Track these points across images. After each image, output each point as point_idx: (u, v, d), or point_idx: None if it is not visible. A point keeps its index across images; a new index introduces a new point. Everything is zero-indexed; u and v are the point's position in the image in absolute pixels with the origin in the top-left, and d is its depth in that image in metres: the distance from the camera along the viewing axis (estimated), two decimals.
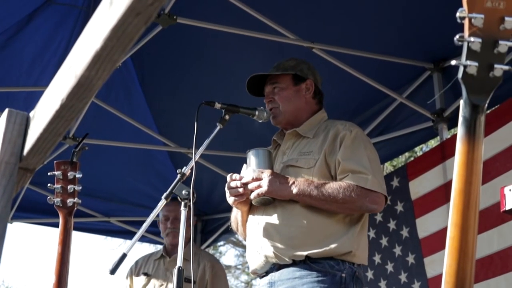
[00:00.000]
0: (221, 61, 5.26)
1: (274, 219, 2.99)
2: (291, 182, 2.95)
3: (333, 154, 3.01)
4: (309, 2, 4.65)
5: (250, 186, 2.99)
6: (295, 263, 2.93)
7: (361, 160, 2.98)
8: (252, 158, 3.06)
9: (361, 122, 5.30)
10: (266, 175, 2.97)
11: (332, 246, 2.90)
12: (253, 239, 3.06)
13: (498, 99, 4.54)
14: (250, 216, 3.13)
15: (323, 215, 2.96)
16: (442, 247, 1.55)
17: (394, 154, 5.97)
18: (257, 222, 3.06)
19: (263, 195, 2.96)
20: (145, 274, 4.77)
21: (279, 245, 2.95)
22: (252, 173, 3.00)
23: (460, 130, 1.52)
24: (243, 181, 3.02)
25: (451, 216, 1.52)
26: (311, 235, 2.93)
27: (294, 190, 2.93)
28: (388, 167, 11.25)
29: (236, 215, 3.26)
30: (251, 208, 3.13)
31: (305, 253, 2.90)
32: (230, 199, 3.08)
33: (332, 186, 2.91)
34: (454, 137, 4.68)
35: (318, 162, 3.01)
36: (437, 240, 4.77)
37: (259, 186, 2.96)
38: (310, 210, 2.96)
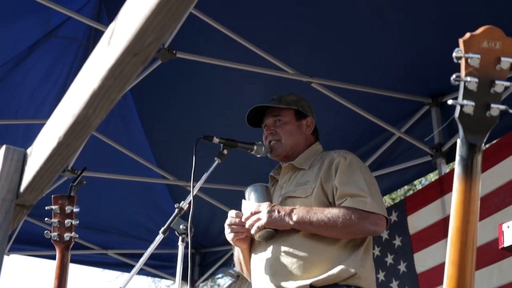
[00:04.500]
0: (220, 95, 5.28)
1: (275, 253, 2.97)
2: (289, 211, 2.93)
3: (329, 181, 2.99)
4: (308, 37, 4.68)
5: (249, 221, 2.98)
6: None
7: (358, 183, 2.96)
8: (250, 194, 3.05)
9: (360, 156, 5.25)
10: (264, 207, 2.96)
11: (335, 270, 2.86)
12: (257, 277, 3.03)
13: (497, 133, 4.55)
14: (253, 255, 3.10)
15: (325, 243, 2.92)
16: (440, 282, 1.54)
17: (393, 187, 5.96)
18: (260, 258, 3.03)
19: (263, 227, 2.95)
20: None
21: (283, 278, 2.92)
22: (251, 208, 2.99)
23: (457, 169, 1.52)
24: (243, 216, 3.01)
25: (448, 254, 1.52)
26: (313, 264, 2.89)
27: (294, 218, 2.90)
28: (387, 200, 11.24)
29: (238, 255, 3.24)
30: (253, 246, 3.11)
31: (308, 282, 2.86)
32: (229, 236, 3.06)
33: (332, 211, 2.89)
34: (452, 171, 4.68)
35: (315, 190, 2.99)
36: (435, 275, 4.74)
37: (258, 219, 2.95)
38: (310, 239, 2.93)
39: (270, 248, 3.00)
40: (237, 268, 3.35)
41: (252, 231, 2.98)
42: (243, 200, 3.06)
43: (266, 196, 3.03)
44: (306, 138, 3.27)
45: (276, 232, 2.97)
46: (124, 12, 1.01)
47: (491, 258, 4.33)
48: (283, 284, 2.91)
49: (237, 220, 3.03)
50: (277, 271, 2.94)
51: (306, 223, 2.90)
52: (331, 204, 2.98)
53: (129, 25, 0.98)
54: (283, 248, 2.96)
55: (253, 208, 2.98)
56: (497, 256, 4.30)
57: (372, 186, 3.00)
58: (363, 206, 2.89)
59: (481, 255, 4.27)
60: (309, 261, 2.90)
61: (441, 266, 5.14)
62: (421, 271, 4.95)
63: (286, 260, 2.93)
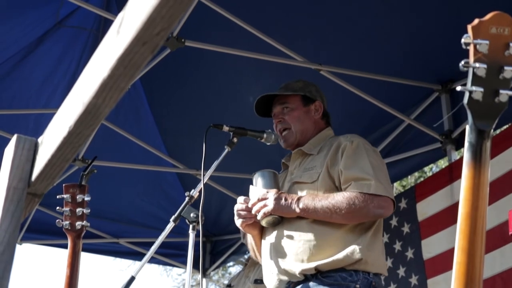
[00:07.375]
0: (229, 83, 5.28)
1: (282, 237, 2.99)
2: (296, 199, 2.94)
3: (336, 165, 2.99)
4: (317, 24, 4.67)
5: (256, 207, 2.99)
6: (307, 279, 2.90)
7: (363, 167, 2.94)
8: (258, 179, 3.06)
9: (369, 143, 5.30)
10: (271, 194, 2.97)
11: (341, 255, 2.86)
12: (266, 261, 3.06)
13: (506, 120, 4.53)
14: (263, 241, 3.12)
15: (331, 227, 2.92)
16: (446, 268, 1.56)
17: (402, 174, 5.96)
18: (268, 243, 3.05)
19: (270, 214, 2.96)
20: None
21: (289, 262, 2.93)
22: (258, 194, 3.00)
23: (466, 156, 1.52)
24: (250, 202, 3.02)
25: (457, 241, 1.52)
26: (319, 248, 2.89)
27: (300, 205, 2.91)
28: (398, 187, 11.23)
29: (250, 241, 3.26)
30: (263, 232, 3.13)
31: (313, 265, 2.86)
32: (238, 222, 3.08)
33: (336, 197, 2.88)
34: (462, 158, 4.68)
35: (321, 175, 3.00)
36: (441, 262, 4.74)
37: (265, 206, 2.97)
38: (317, 223, 2.93)
39: (277, 233, 3.01)
40: (252, 256, 3.36)
41: (258, 217, 2.99)
42: (250, 186, 3.08)
43: (273, 182, 3.05)
44: (316, 123, 3.26)
45: (281, 218, 2.99)
46: (132, 1, 1.02)
47: (494, 243, 4.33)
48: (289, 267, 2.93)
49: (245, 205, 3.04)
50: (283, 255, 2.95)
51: (311, 211, 2.90)
52: (337, 189, 2.97)
53: (138, 14, 0.99)
54: (290, 233, 2.97)
55: (260, 194, 2.99)
56: (500, 241, 4.31)
57: (378, 169, 2.97)
58: (367, 189, 2.87)
59: (485, 241, 4.26)
60: (315, 245, 2.90)
61: (447, 252, 5.12)
62: (427, 258, 4.95)
63: (292, 244, 2.94)
